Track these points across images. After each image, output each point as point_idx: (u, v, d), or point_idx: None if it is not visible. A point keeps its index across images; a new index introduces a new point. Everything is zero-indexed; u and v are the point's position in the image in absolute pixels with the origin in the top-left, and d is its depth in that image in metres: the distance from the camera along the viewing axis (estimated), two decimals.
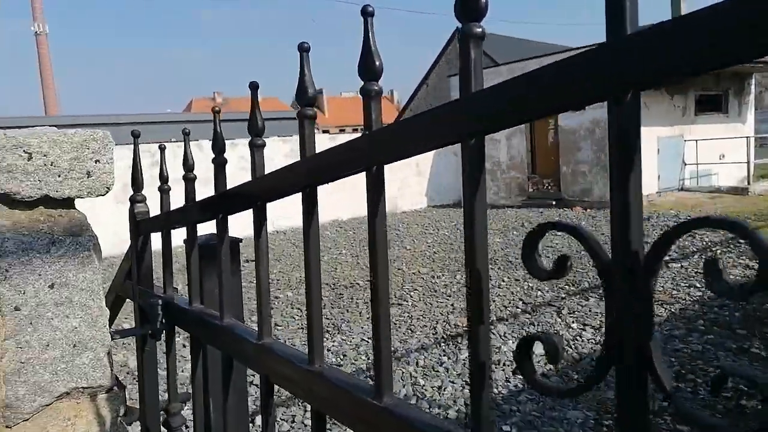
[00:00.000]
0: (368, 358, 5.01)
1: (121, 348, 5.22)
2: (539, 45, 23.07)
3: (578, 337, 5.02)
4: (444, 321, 5.77)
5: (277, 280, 8.06)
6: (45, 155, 1.05)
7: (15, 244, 1.03)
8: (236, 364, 1.15)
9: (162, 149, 1.31)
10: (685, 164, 13.61)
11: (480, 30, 0.56)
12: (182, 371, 4.47)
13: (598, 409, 3.74)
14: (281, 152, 12.32)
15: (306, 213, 0.85)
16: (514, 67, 13.93)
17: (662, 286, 6.36)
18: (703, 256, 7.65)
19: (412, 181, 15.02)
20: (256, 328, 1.00)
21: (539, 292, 6.49)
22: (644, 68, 0.41)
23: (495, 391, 4.18)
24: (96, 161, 1.10)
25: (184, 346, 4.87)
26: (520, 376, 4.30)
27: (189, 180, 1.20)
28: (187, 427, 1.34)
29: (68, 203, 1.11)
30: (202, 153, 9.48)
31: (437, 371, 4.61)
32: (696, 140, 13.42)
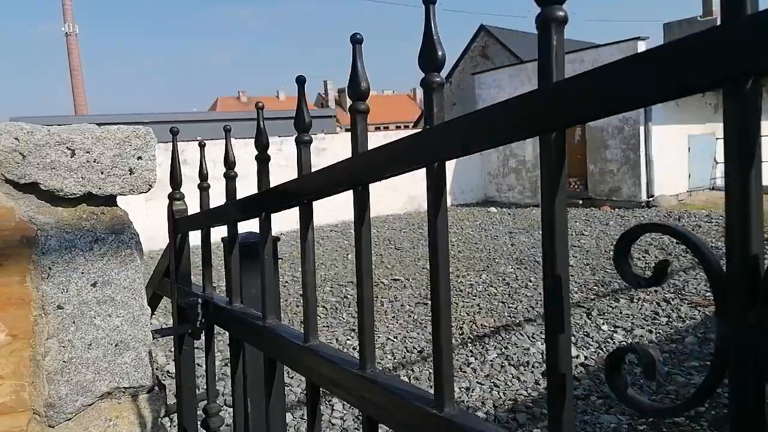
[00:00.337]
0: (394, 358, 4.98)
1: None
2: (566, 42, 22.70)
3: (609, 340, 4.92)
4: (470, 321, 5.70)
5: (298, 278, 8.06)
6: (88, 152, 1.03)
7: (58, 241, 1.02)
8: (277, 365, 1.12)
9: (202, 146, 1.29)
10: (717, 163, 13.28)
11: (562, 14, 0.52)
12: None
13: (632, 414, 3.65)
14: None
15: (357, 212, 0.81)
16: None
17: (695, 288, 6.20)
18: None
19: None
20: (300, 330, 0.98)
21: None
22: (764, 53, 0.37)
23: (524, 393, 4.11)
24: (138, 158, 1.08)
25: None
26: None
27: (230, 178, 1.17)
28: (228, 426, 1.32)
29: (110, 200, 1.09)
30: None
31: (464, 372, 4.55)
32: None
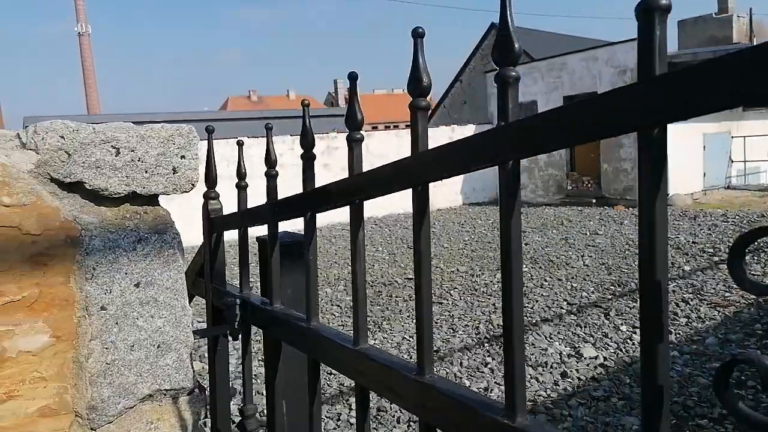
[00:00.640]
0: (410, 357, 4.95)
1: None
2: (576, 39, 22.58)
3: (628, 340, 4.87)
4: (486, 321, 5.67)
5: None
6: (133, 150, 1.01)
7: (102, 241, 1.00)
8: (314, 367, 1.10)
9: (240, 145, 1.27)
10: (732, 161, 13.13)
11: (666, 2, 0.49)
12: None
13: None
14: (318, 150, 12.34)
15: (417, 213, 0.79)
16: (553, 62, 13.67)
17: (713, 288, 6.13)
18: (755, 257, 7.35)
19: (447, 179, 14.88)
20: (348, 331, 0.95)
21: (584, 293, 6.33)
22: None
23: (543, 394, 4.07)
24: (182, 157, 1.06)
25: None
26: (569, 380, 4.19)
27: (271, 176, 1.15)
28: (263, 426, 1.31)
29: (153, 200, 1.08)
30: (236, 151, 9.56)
31: (482, 372, 4.52)
32: (744, 137, 12.94)
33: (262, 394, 3.75)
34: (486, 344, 5.09)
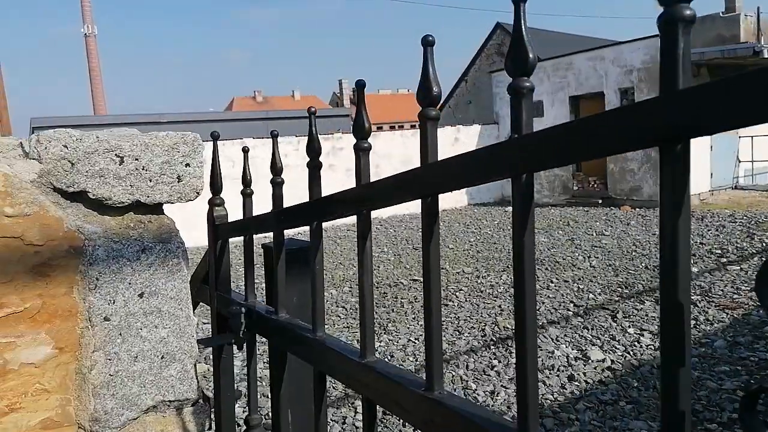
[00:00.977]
0: (415, 359, 4.93)
1: None
2: (583, 39, 22.49)
3: (636, 343, 4.83)
4: (492, 323, 5.64)
5: None
6: (137, 159, 1.00)
7: (105, 251, 0.99)
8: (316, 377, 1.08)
9: (245, 151, 1.26)
10: (740, 161, 13.04)
11: (690, 12, 0.47)
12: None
13: None
14: (323, 151, 12.33)
15: (426, 225, 0.77)
16: (559, 62, 13.61)
17: (722, 290, 6.08)
18: (763, 258, 7.29)
19: None
20: (353, 343, 0.93)
21: (591, 295, 6.29)
22: None
23: (550, 398, 4.04)
24: (186, 165, 1.05)
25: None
26: (576, 383, 4.15)
27: (277, 184, 1.13)
28: None
29: (158, 209, 1.06)
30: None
31: (488, 375, 4.49)
32: (752, 136, 12.85)
33: (268, 397, 3.75)
34: (492, 347, 5.06)
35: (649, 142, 0.50)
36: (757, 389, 0.44)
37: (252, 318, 1.25)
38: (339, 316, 6.26)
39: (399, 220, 13.00)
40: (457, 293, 6.77)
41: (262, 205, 1.19)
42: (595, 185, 13.43)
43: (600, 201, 12.99)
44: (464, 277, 7.52)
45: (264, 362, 4.40)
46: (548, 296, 6.33)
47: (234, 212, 1.34)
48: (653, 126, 0.49)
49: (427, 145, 0.76)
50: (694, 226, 9.66)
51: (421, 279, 7.44)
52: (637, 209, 11.95)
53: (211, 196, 1.40)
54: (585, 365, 4.49)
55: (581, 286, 6.63)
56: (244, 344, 1.26)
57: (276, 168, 1.14)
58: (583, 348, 4.83)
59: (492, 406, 4.00)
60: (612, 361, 4.54)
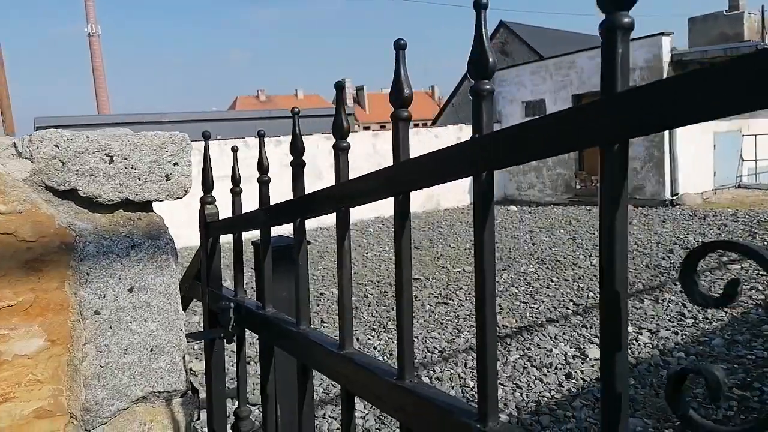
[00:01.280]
0: (415, 358, 4.96)
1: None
2: (586, 37, 22.45)
3: (634, 341, 4.85)
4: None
5: (322, 276, 8.10)
6: (126, 158, 1.03)
7: (96, 247, 1.03)
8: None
9: (234, 151, 1.29)
10: (743, 160, 13.02)
11: (629, 20, 0.50)
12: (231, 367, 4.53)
13: (659, 417, 3.59)
14: (325, 149, 12.38)
15: (398, 221, 0.80)
16: (561, 60, 13.61)
17: (722, 289, 6.08)
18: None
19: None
20: (334, 336, 0.97)
21: (590, 293, 6.31)
22: None
23: (548, 395, 4.07)
24: (174, 164, 1.08)
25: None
26: (574, 381, 4.18)
27: (263, 183, 1.17)
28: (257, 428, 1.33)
29: (147, 206, 1.10)
30: (249, 150, 9.62)
31: None
32: (755, 135, 12.81)
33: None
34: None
35: (591, 142, 0.53)
36: (681, 371, 0.48)
37: (241, 313, 1.29)
38: None
39: None
40: (458, 292, 6.80)
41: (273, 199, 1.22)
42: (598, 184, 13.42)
43: None
44: (465, 275, 7.55)
45: (256, 361, 4.45)
46: (548, 295, 6.35)
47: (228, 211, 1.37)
48: (595, 127, 0.52)
49: (399, 145, 0.79)
50: (695, 225, 9.66)
51: (422, 278, 7.47)
52: (640, 208, 11.95)
53: (202, 194, 1.44)
54: (583, 363, 4.52)
55: (581, 285, 6.65)
56: (234, 338, 1.30)
57: (263, 167, 1.17)
58: (582, 346, 4.85)
59: None
60: None
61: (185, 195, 1.11)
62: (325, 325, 5.95)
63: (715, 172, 12.49)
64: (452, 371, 4.60)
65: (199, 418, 1.18)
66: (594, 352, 4.70)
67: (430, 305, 6.37)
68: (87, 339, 1.03)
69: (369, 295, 6.92)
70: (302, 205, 1.04)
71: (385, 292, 7.08)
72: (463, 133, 14.81)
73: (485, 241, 0.66)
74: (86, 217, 1.03)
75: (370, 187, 0.85)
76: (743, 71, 0.41)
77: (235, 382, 1.38)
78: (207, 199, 1.43)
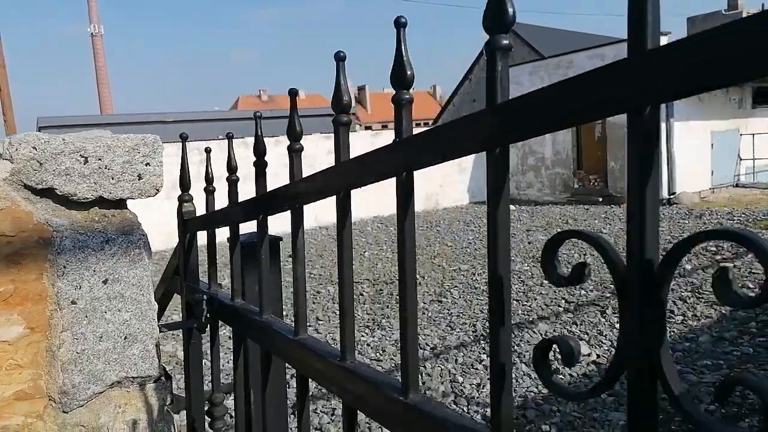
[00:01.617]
0: None
1: (170, 339, 5.42)
2: (584, 36, 22.47)
3: None
4: (484, 318, 5.74)
5: (320, 275, 8.18)
6: (100, 159, 1.12)
7: (72, 242, 1.11)
8: (275, 358, 1.19)
9: (207, 152, 1.37)
10: (741, 159, 13.05)
11: (507, 42, 0.58)
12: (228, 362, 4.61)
13: None
14: (325, 148, 12.47)
15: (340, 217, 0.88)
16: (561, 60, 13.66)
17: (712, 286, 6.14)
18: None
19: (455, 178, 14.94)
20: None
21: (582, 291, 6.38)
22: None
23: (535, 390, 4.14)
24: (146, 164, 1.17)
25: (229, 338, 5.02)
26: (561, 377, 4.25)
27: (232, 182, 1.25)
28: (231, 417, 1.41)
29: (121, 204, 1.18)
30: (249, 150, 9.70)
31: (476, 369, 4.60)
32: (753, 134, 12.85)
33: None
34: (482, 341, 5.16)
35: (477, 148, 0.61)
36: (545, 342, 0.55)
37: (214, 305, 1.37)
38: (335, 313, 6.38)
39: None
40: (452, 290, 6.88)
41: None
42: (596, 183, 13.48)
43: (600, 199, 13.05)
44: (460, 274, 7.63)
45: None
46: (540, 293, 6.43)
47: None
48: (481, 135, 0.60)
49: (340, 147, 0.87)
50: (691, 224, 9.71)
51: (417, 276, 7.56)
52: None
53: (180, 193, 1.52)
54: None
55: None
56: (207, 328, 1.38)
57: (231, 167, 1.25)
58: None
59: (477, 398, 4.11)
60: (597, 355, 4.63)
61: (157, 193, 1.19)
62: (320, 322, 6.04)
63: (712, 171, 12.53)
64: (442, 367, 4.68)
65: (172, 402, 1.27)
66: (583, 348, 4.77)
67: (424, 303, 6.45)
68: (64, 327, 1.11)
69: (364, 294, 7.00)
70: (264, 203, 1.12)
71: (380, 290, 7.16)
72: None
73: (406, 230, 0.74)
74: (63, 214, 1.11)
75: (318, 186, 0.93)
76: (582, 88, 0.49)
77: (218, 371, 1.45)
78: (184, 198, 1.51)
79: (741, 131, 12.89)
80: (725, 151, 12.70)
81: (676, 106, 11.80)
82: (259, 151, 1.13)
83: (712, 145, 12.43)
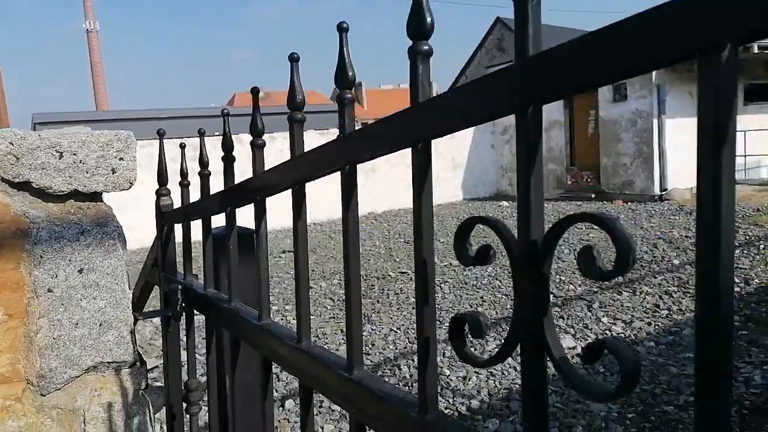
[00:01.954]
0: (396, 348, 5.11)
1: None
2: (579, 33, 22.47)
3: (608, 331, 4.99)
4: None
5: (312, 270, 8.24)
6: (74, 154, 1.17)
7: (48, 233, 1.16)
8: (243, 344, 1.25)
9: (182, 147, 1.43)
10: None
11: (427, 48, 0.64)
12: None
13: (623, 402, 3.74)
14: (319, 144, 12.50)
15: (295, 208, 0.94)
16: None
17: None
18: (744, 251, 7.43)
19: (448, 175, 15.00)
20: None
21: (571, 286, 6.45)
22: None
23: (519, 382, 4.21)
24: (120, 159, 1.22)
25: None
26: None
27: (204, 176, 1.30)
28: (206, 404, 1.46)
29: (96, 197, 1.24)
30: (243, 147, 9.74)
31: (463, 362, 4.67)
32: (744, 131, 12.93)
33: None
34: (469, 335, 5.22)
35: (404, 145, 0.67)
36: (457, 316, 0.61)
37: (189, 295, 1.43)
38: (326, 307, 6.45)
39: (394, 215, 13.17)
40: (442, 285, 6.95)
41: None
42: (589, 180, 13.56)
43: (593, 195, 13.13)
44: (451, 269, 7.70)
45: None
46: None
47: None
48: (407, 133, 0.66)
49: (294, 143, 0.93)
50: (681, 220, 9.80)
51: (409, 271, 7.59)
52: (629, 203, 12.09)
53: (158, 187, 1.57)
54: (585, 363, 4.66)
55: (563, 278, 6.79)
56: (181, 317, 1.44)
57: (203, 162, 1.31)
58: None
59: (462, 390, 4.18)
60: (582, 348, 4.71)
61: (131, 187, 1.25)
62: (311, 317, 6.09)
63: None
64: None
65: (147, 387, 1.32)
66: (568, 341, 4.85)
67: (414, 298, 6.51)
68: (41, 314, 1.17)
69: None
70: (231, 196, 1.17)
71: (372, 285, 7.23)
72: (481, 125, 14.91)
73: (350, 219, 0.80)
74: (39, 206, 1.17)
75: (275, 180, 0.99)
76: (492, 87, 0.55)
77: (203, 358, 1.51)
78: (162, 192, 1.57)
79: None
80: None
81: (667, 103, 11.89)
82: (227, 146, 1.19)
83: None
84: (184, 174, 1.45)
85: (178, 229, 1.62)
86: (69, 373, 1.20)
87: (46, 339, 1.17)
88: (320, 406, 4.05)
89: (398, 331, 5.50)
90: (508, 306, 5.94)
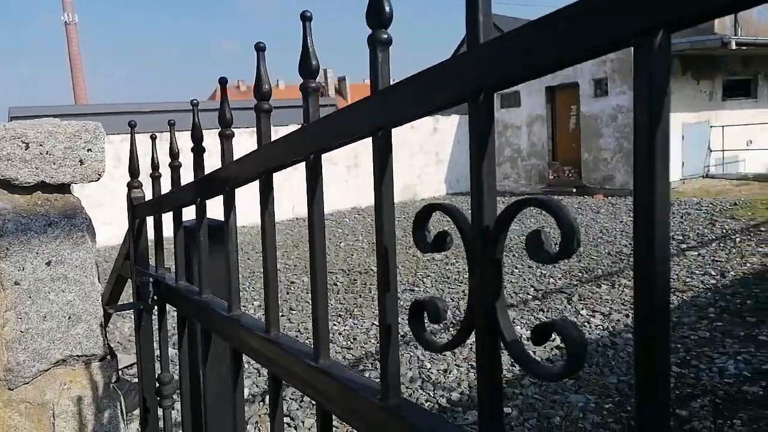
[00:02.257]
0: (377, 342, 5.12)
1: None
2: None
3: (587, 324, 5.06)
4: (454, 307, 5.85)
5: (295, 265, 8.22)
6: (41, 145, 1.16)
7: (15, 225, 1.15)
8: (214, 336, 1.25)
9: (153, 138, 1.42)
10: (711, 151, 13.34)
11: (386, 36, 0.64)
12: None
13: (600, 393, 3.79)
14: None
15: (263, 197, 0.94)
16: None
17: (676, 275, 6.33)
18: (721, 244, 7.56)
19: (432, 170, 15.03)
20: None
21: (551, 279, 6.52)
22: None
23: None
24: (88, 150, 1.21)
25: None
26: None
27: (174, 168, 1.30)
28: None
29: (64, 188, 1.22)
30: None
31: (444, 355, 4.70)
32: (723, 126, 13.14)
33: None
34: (451, 329, 5.26)
35: (365, 133, 0.67)
36: (416, 302, 0.62)
37: (160, 288, 1.42)
38: (308, 302, 6.44)
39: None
40: (425, 279, 6.98)
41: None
42: (570, 174, 13.68)
43: (574, 190, 13.25)
44: (434, 263, 7.73)
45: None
46: (510, 281, 6.55)
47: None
48: (368, 124, 0.66)
49: (261, 133, 0.92)
50: None
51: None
52: (609, 198, 12.22)
53: (130, 179, 1.56)
54: (535, 345, 4.71)
55: (543, 272, 6.86)
56: (153, 310, 1.43)
57: (173, 153, 1.30)
58: None
59: (443, 383, 4.21)
60: (561, 340, 4.76)
61: (99, 178, 1.23)
62: (293, 312, 6.09)
63: (683, 163, 12.80)
64: (411, 354, 4.77)
65: (117, 380, 1.31)
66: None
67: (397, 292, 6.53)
68: (8, 307, 1.15)
69: (338, 283, 7.06)
70: (201, 187, 1.17)
71: (354, 280, 7.23)
72: (439, 124, 14.96)
73: (315, 212, 0.80)
74: (5, 198, 1.15)
75: (243, 170, 0.99)
76: (430, 80, 0.55)
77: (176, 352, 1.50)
78: (134, 184, 1.55)
79: (711, 123, 13.17)
80: (696, 142, 12.97)
81: None
82: (196, 137, 1.18)
83: (683, 136, 12.68)
84: (155, 166, 1.43)
85: (150, 222, 1.62)
86: (37, 367, 1.19)
87: (14, 332, 1.16)
88: (301, 401, 4.06)
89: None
90: None
